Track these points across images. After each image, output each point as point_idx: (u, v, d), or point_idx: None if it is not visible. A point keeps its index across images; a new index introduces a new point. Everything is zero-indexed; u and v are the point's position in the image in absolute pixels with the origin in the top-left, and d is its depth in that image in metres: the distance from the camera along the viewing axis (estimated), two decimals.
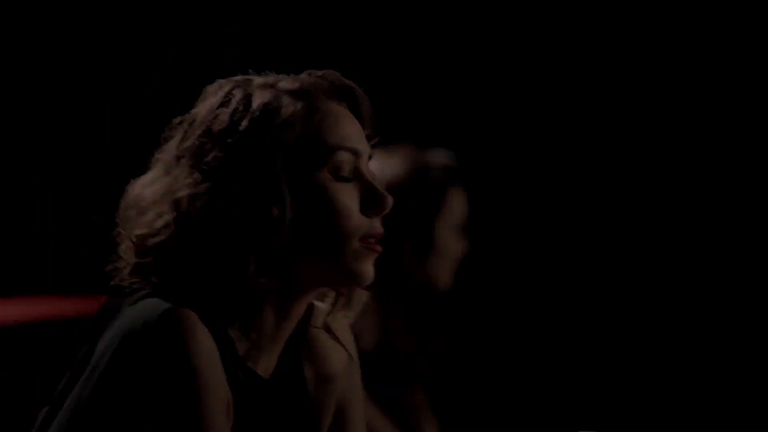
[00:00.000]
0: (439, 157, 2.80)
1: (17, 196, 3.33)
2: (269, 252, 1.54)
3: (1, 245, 3.32)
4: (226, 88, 1.61)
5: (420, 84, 3.57)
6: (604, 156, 3.59)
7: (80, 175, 3.32)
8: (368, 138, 1.65)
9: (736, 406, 3.44)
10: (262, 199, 1.55)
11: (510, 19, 3.60)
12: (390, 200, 1.61)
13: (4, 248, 3.32)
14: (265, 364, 1.61)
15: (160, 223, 1.55)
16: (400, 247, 2.70)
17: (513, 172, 3.63)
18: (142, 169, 1.65)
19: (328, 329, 1.68)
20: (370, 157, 1.64)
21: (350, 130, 1.61)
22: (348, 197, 1.58)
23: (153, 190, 1.57)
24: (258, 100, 1.59)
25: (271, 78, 1.63)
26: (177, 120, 1.63)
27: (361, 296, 1.67)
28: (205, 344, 1.47)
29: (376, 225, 1.60)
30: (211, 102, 1.60)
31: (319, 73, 1.64)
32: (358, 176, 1.61)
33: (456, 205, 2.79)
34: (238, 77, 1.63)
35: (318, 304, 1.68)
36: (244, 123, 1.57)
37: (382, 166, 2.63)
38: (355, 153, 1.61)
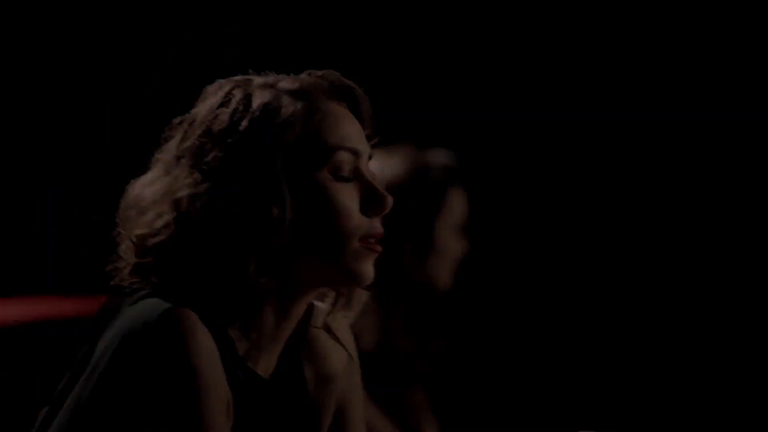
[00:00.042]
0: (439, 157, 2.79)
1: (17, 196, 3.33)
2: (269, 252, 1.54)
3: (1, 245, 3.31)
4: (226, 88, 1.61)
5: (420, 84, 3.57)
6: (604, 156, 3.59)
7: (80, 175, 3.32)
8: (368, 138, 1.65)
9: (736, 406, 3.44)
10: (262, 199, 1.55)
11: (510, 19, 3.60)
12: (390, 200, 1.61)
13: (4, 248, 3.32)
14: (265, 364, 1.61)
15: (160, 223, 1.55)
16: (400, 247, 2.69)
17: (513, 172, 3.63)
18: (142, 169, 1.65)
19: (328, 329, 1.68)
20: (370, 157, 1.64)
21: (350, 130, 1.61)
22: (348, 197, 1.58)
23: (153, 190, 1.57)
24: (258, 100, 1.59)
25: (271, 78, 1.63)
26: (177, 120, 1.63)
27: (361, 296, 1.67)
28: (205, 344, 1.47)
29: (376, 225, 1.60)
30: (211, 102, 1.60)
31: (319, 73, 1.64)
32: (358, 176, 1.61)
33: (456, 205, 2.79)
34: (238, 77, 1.63)
35: (318, 304, 1.67)
36: (244, 123, 1.57)
37: (382, 166, 2.63)
38: (355, 153, 1.61)
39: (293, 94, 1.60)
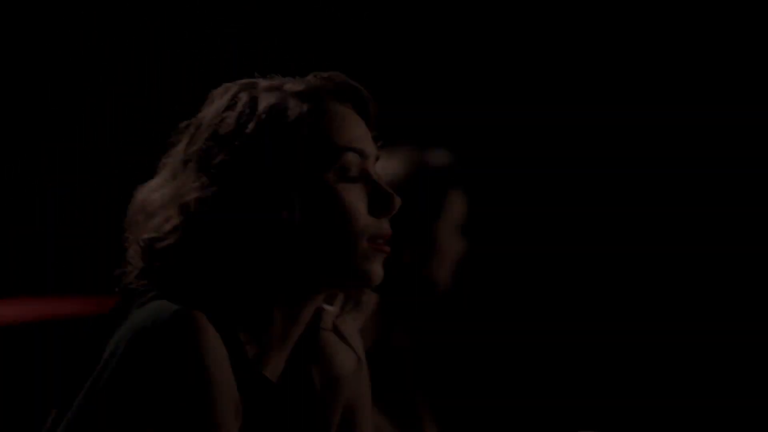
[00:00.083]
0: (439, 157, 2.79)
1: (17, 196, 3.33)
2: (277, 254, 1.54)
3: (1, 245, 3.31)
4: (232, 91, 1.61)
5: (420, 84, 3.57)
6: (604, 156, 3.59)
7: (80, 175, 3.32)
8: (374, 139, 1.64)
9: (736, 406, 3.44)
10: (269, 201, 1.54)
11: (510, 19, 3.60)
12: (398, 201, 1.61)
13: (4, 248, 3.32)
14: (274, 367, 1.60)
15: (167, 227, 1.54)
16: (400, 247, 2.69)
17: (513, 172, 3.63)
18: (142, 168, 1.65)
19: (337, 331, 1.68)
20: (377, 158, 1.64)
21: (357, 131, 1.61)
22: (356, 198, 1.58)
23: (160, 195, 1.57)
24: (264, 102, 1.58)
25: (276, 80, 1.63)
26: (183, 124, 1.62)
27: (371, 298, 1.66)
28: (214, 346, 1.47)
29: (384, 225, 1.60)
30: (218, 105, 1.60)
31: (325, 74, 1.64)
32: (365, 177, 1.61)
33: (456, 206, 2.78)
34: (244, 80, 1.63)
35: (327, 307, 1.67)
36: (251, 126, 1.57)
37: (382, 167, 2.62)
38: (363, 154, 1.61)
39: (299, 96, 1.60)
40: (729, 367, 3.51)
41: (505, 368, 3.62)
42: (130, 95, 3.34)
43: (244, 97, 1.59)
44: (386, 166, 2.67)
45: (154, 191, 1.58)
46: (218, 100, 1.61)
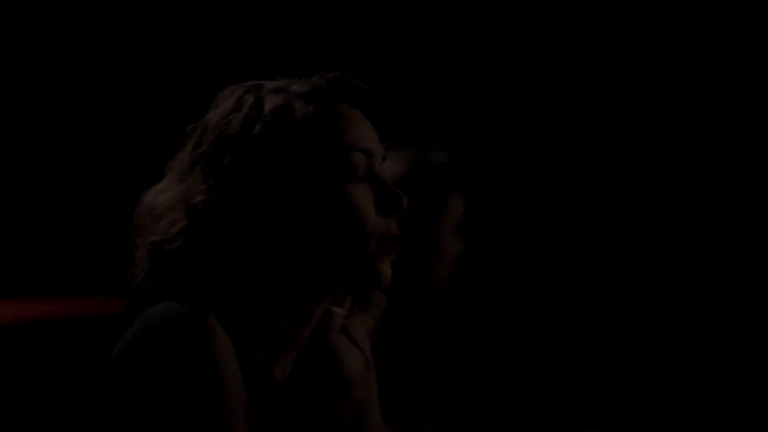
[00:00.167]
0: (439, 157, 2.79)
1: (17, 196, 3.33)
2: (285, 256, 1.54)
3: (1, 245, 3.31)
4: (238, 94, 1.61)
5: (420, 84, 3.57)
6: (604, 156, 3.59)
7: (80, 175, 3.32)
8: (380, 139, 1.65)
9: (736, 406, 3.45)
10: (277, 203, 1.54)
11: (510, 19, 3.60)
12: (406, 200, 1.61)
13: (4, 248, 3.31)
14: (282, 368, 1.61)
15: (174, 229, 1.55)
16: (400, 247, 2.69)
17: (513, 172, 3.63)
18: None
19: (345, 333, 1.68)
20: (384, 158, 1.64)
21: (363, 131, 1.62)
22: (363, 198, 1.58)
23: (167, 197, 1.57)
24: (270, 104, 1.59)
25: (282, 82, 1.63)
26: (190, 127, 1.63)
27: (380, 300, 1.67)
28: (223, 347, 1.47)
29: (392, 225, 1.60)
30: (224, 108, 1.60)
31: (330, 75, 1.64)
32: (372, 177, 1.61)
33: (456, 206, 2.78)
34: (249, 82, 1.63)
35: (335, 308, 1.67)
36: (257, 127, 1.57)
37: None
38: (369, 154, 1.61)
39: (305, 97, 1.60)
40: (729, 368, 3.51)
41: (505, 368, 3.62)
42: (130, 95, 3.33)
43: (249, 99, 1.59)
44: (386, 166, 2.67)
45: (161, 194, 1.58)
46: (224, 102, 1.61)
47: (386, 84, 3.00)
